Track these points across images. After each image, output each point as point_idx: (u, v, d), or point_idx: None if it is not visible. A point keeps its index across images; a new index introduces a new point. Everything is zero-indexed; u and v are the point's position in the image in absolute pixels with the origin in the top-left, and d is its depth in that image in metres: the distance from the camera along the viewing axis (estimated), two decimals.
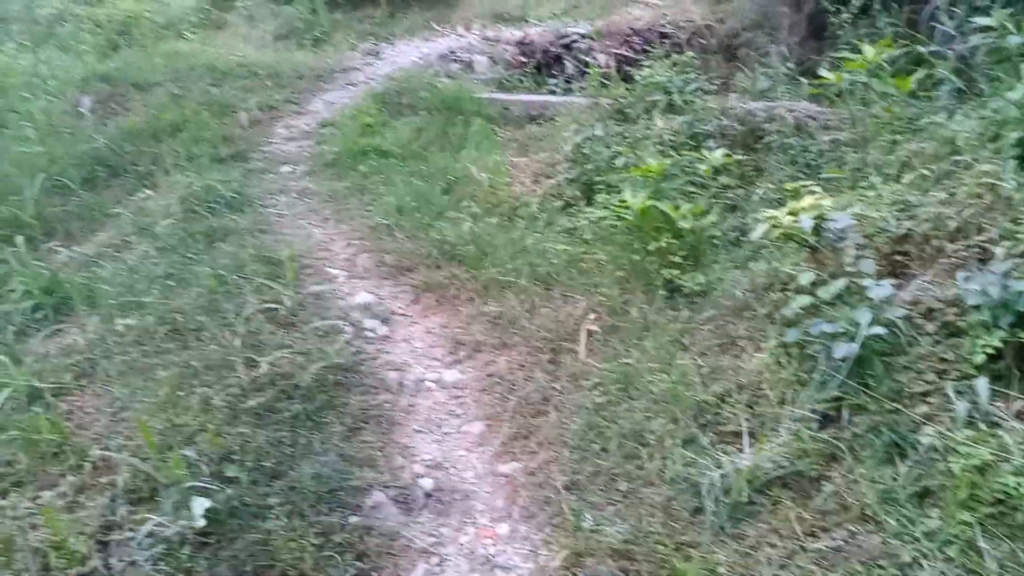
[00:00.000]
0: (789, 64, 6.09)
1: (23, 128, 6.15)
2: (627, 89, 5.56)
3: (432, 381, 3.29)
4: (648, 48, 8.77)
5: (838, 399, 2.55)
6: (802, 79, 5.57)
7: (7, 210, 4.59)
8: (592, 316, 3.48)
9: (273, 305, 3.38)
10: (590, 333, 3.36)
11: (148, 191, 4.88)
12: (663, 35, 9.07)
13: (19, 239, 4.01)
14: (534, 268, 3.86)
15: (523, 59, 8.12)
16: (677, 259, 3.64)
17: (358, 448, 2.76)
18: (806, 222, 2.91)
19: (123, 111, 6.15)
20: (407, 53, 8.36)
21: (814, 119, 4.84)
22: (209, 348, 3.10)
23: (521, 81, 7.60)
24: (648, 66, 5.54)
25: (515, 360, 3.28)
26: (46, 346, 3.40)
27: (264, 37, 12.66)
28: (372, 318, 3.64)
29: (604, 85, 5.78)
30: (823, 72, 4.38)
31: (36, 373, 3.12)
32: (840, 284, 2.77)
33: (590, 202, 4.61)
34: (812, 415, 2.56)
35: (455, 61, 7.86)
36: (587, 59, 8.20)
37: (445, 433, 2.99)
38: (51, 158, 5.27)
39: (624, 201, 3.83)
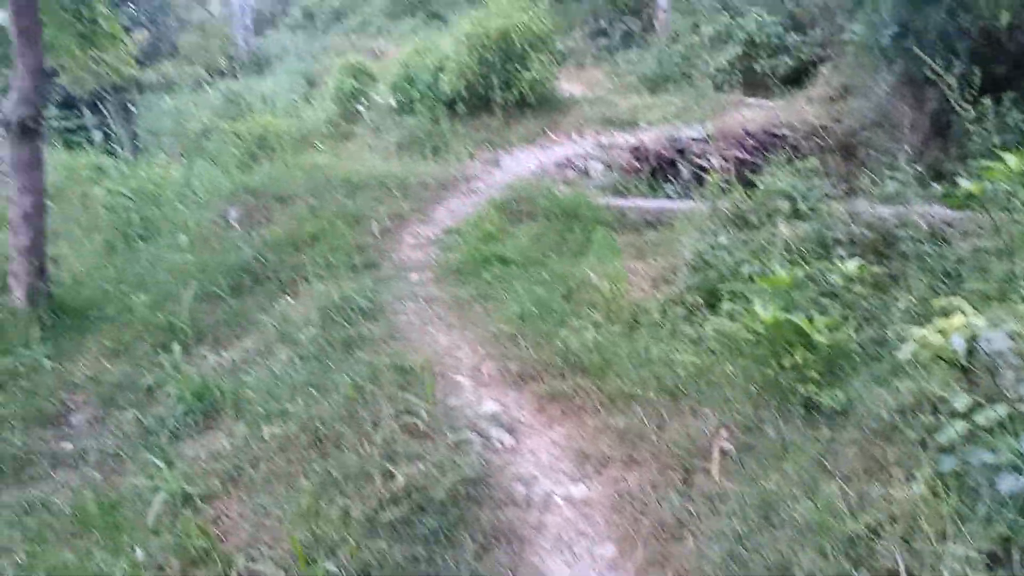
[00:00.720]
0: (915, 165, 5.94)
1: (177, 237, 6.78)
2: (747, 194, 5.56)
3: (560, 497, 3.26)
4: (763, 149, 8.79)
5: (1006, 538, 2.35)
6: (932, 183, 5.42)
7: (163, 317, 5.02)
8: (724, 433, 3.38)
9: (408, 415, 3.48)
10: (723, 451, 3.27)
11: (289, 298, 5.22)
12: (777, 136, 9.06)
13: (176, 347, 4.35)
14: (660, 379, 3.82)
15: (637, 164, 8.30)
16: (813, 374, 3.51)
17: (491, 568, 2.75)
18: (958, 342, 2.78)
19: (266, 222, 6.66)
20: (524, 161, 8.71)
21: (950, 225, 4.67)
22: (348, 457, 3.22)
23: (636, 186, 7.74)
24: (769, 172, 5.54)
25: (645, 478, 3.21)
26: (196, 450, 3.63)
27: (388, 146, 13.51)
28: (499, 428, 3.68)
29: (723, 190, 5.81)
30: (962, 182, 4.24)
31: (187, 477, 3.32)
32: (1001, 410, 2.60)
33: (714, 309, 4.56)
34: (977, 555, 2.36)
35: (571, 168, 8.12)
36: (701, 162, 8.28)
37: (576, 555, 2.94)
38: (202, 266, 5.75)
39: (753, 312, 3.78)
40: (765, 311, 3.74)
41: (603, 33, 16.73)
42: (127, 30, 10.93)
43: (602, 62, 16.23)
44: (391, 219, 6.73)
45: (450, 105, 13.45)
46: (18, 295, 5.21)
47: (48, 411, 4.32)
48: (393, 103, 14.99)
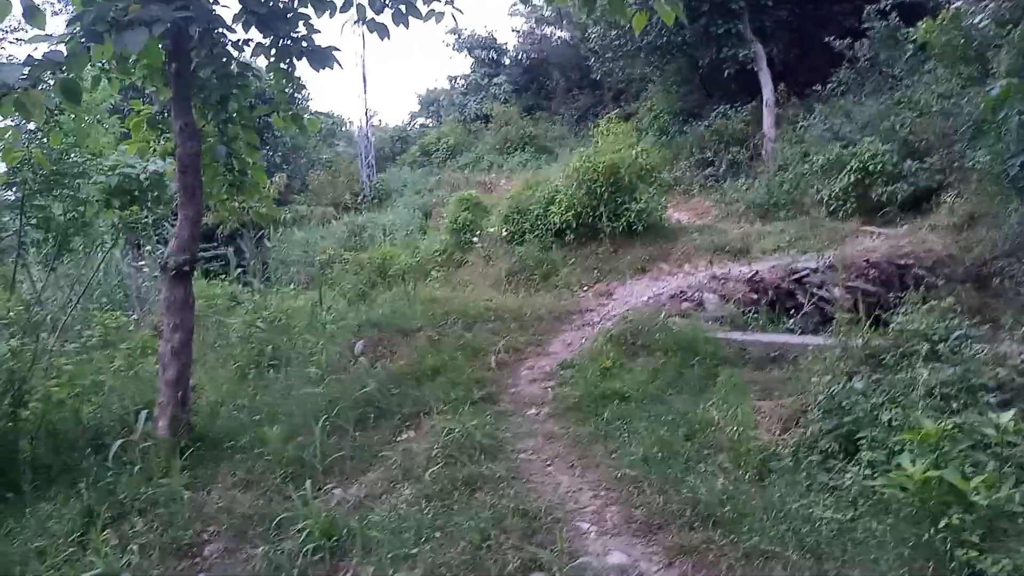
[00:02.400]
0: None
1: (306, 368, 7.10)
2: (879, 333, 5.34)
3: None
4: (888, 280, 8.49)
5: None
6: None
7: (293, 450, 5.19)
8: None
9: (535, 569, 3.39)
10: None
11: (412, 433, 5.32)
12: (903, 267, 8.75)
13: (307, 482, 4.46)
14: (800, 537, 3.59)
15: (754, 296, 8.18)
16: (973, 538, 3.22)
17: None
18: None
19: (390, 354, 6.91)
20: (637, 293, 8.77)
21: None
22: None
23: (755, 319, 7.59)
24: (902, 311, 5.32)
25: None
26: None
27: (499, 273, 13.91)
28: None
29: (852, 327, 5.60)
30: None
31: None
32: None
33: (852, 458, 4.31)
34: None
35: (685, 300, 8.09)
36: (822, 294, 8.06)
37: None
38: (330, 399, 5.97)
39: (899, 466, 3.55)
40: (913, 466, 3.51)
41: (709, 163, 17.01)
42: (269, 174, 12.03)
43: (709, 191, 16.43)
44: (508, 352, 6.84)
45: (559, 235, 13.84)
46: (162, 425, 5.54)
47: (183, 541, 4.46)
48: (504, 233, 15.55)
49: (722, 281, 8.61)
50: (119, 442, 5.27)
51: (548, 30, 31.82)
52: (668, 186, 15.48)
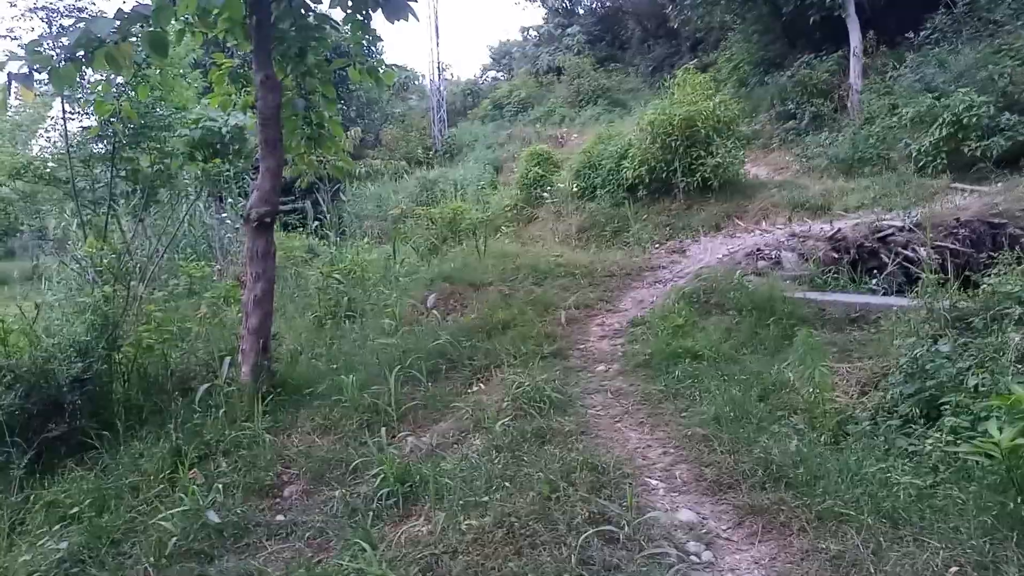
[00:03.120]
0: None
1: (380, 320, 7.26)
2: (968, 295, 5.09)
3: None
4: (979, 240, 8.06)
5: None
6: None
7: (369, 398, 5.35)
8: (954, 569, 3.02)
9: (603, 520, 3.42)
10: None
11: (482, 385, 5.40)
12: (996, 226, 8.29)
13: (382, 429, 4.60)
14: (876, 501, 3.51)
15: (835, 255, 7.89)
16: None
17: None
18: None
19: (461, 308, 6.99)
20: (712, 250, 8.58)
21: None
22: (543, 558, 3.20)
23: (836, 279, 7.34)
24: (995, 272, 5.05)
25: None
26: (397, 534, 3.77)
27: (569, 229, 13.86)
28: (695, 541, 3.52)
29: (940, 288, 5.35)
30: None
31: (389, 561, 3.45)
32: None
33: (934, 423, 4.16)
34: None
35: (762, 258, 7.87)
36: (908, 254, 7.72)
37: None
38: (404, 350, 6.10)
39: (986, 433, 3.40)
40: (1000, 433, 3.36)
41: (791, 116, 16.36)
42: (345, 128, 12.18)
43: (790, 145, 15.84)
44: (578, 308, 6.83)
45: (631, 190, 13.64)
46: (244, 371, 5.77)
47: (265, 482, 4.67)
48: (574, 189, 15.42)
49: (801, 239, 8.33)
50: (205, 386, 5.53)
51: None
52: (746, 140, 14.99)
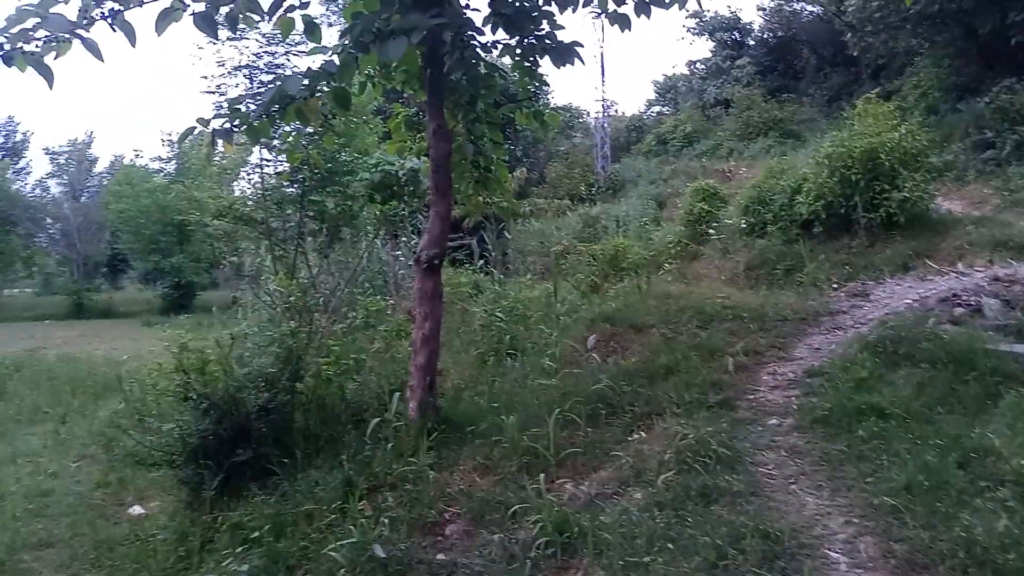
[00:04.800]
0: None
1: (541, 359, 7.28)
2: None
3: None
4: None
5: None
6: None
7: (528, 440, 5.34)
8: None
9: None
10: None
11: (643, 433, 5.23)
12: None
13: (540, 475, 4.56)
14: None
15: None
16: None
17: None
18: None
19: (621, 350, 6.86)
20: (899, 294, 7.88)
21: None
22: None
23: None
24: None
25: None
26: None
27: (736, 268, 13.31)
28: None
29: None
30: None
31: None
32: None
33: None
34: None
35: (960, 305, 7.10)
36: None
37: None
38: (563, 392, 6.06)
39: None
40: None
41: (989, 145, 14.88)
42: (511, 168, 12.54)
43: (988, 177, 14.38)
44: (747, 354, 6.48)
45: (806, 226, 12.89)
46: (412, 406, 5.97)
47: (428, 519, 4.76)
48: (743, 225, 14.84)
49: (1006, 284, 7.44)
50: (376, 420, 5.76)
51: (798, 5, 29.71)
52: (937, 172, 13.76)
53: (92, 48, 4.05)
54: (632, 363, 6.43)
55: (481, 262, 14.50)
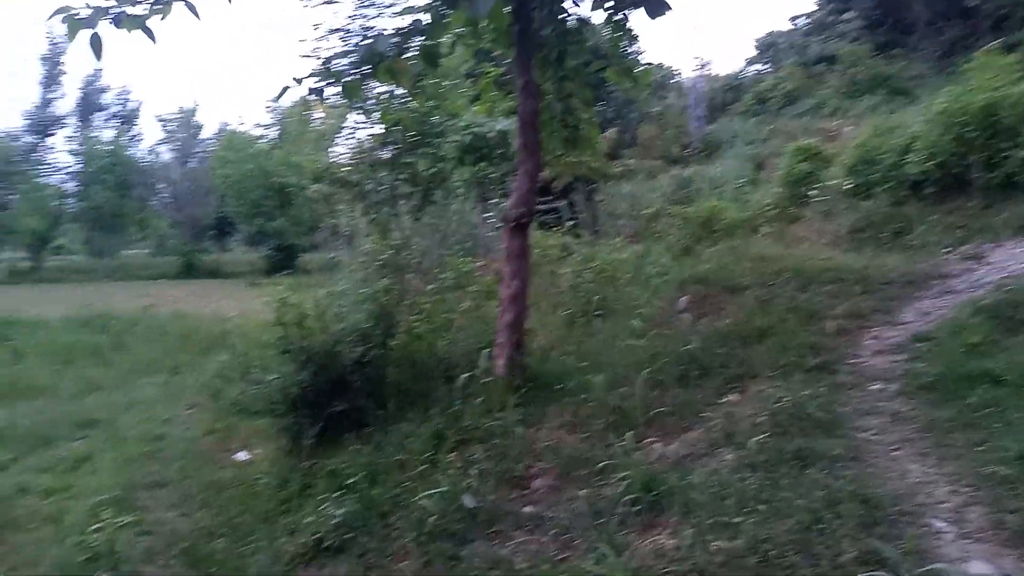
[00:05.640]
0: None
1: (630, 320, 7.20)
2: None
3: None
4: None
5: None
6: None
7: (616, 399, 5.30)
8: None
9: (873, 562, 3.03)
10: None
11: (735, 396, 5.10)
12: None
13: (629, 433, 4.53)
14: None
15: None
16: None
17: None
18: None
19: (714, 312, 6.68)
20: (1017, 257, 7.33)
21: None
22: None
23: None
24: None
25: None
26: (641, 543, 3.67)
27: (839, 231, 12.70)
28: None
29: None
30: None
31: (633, 571, 3.36)
32: None
33: None
34: None
35: None
36: None
37: None
38: (653, 353, 5.97)
39: None
40: None
41: None
42: (602, 129, 12.32)
43: None
44: (848, 318, 6.20)
45: (915, 187, 12.17)
46: (500, 364, 6.02)
47: (515, 473, 4.83)
48: (847, 186, 14.16)
49: None
50: (465, 376, 5.84)
51: None
52: None
53: (191, 7, 4.24)
54: (725, 325, 6.27)
55: (570, 224, 14.39)
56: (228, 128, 44.79)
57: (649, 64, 7.88)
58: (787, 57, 31.62)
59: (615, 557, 3.50)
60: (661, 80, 31.67)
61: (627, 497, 4.03)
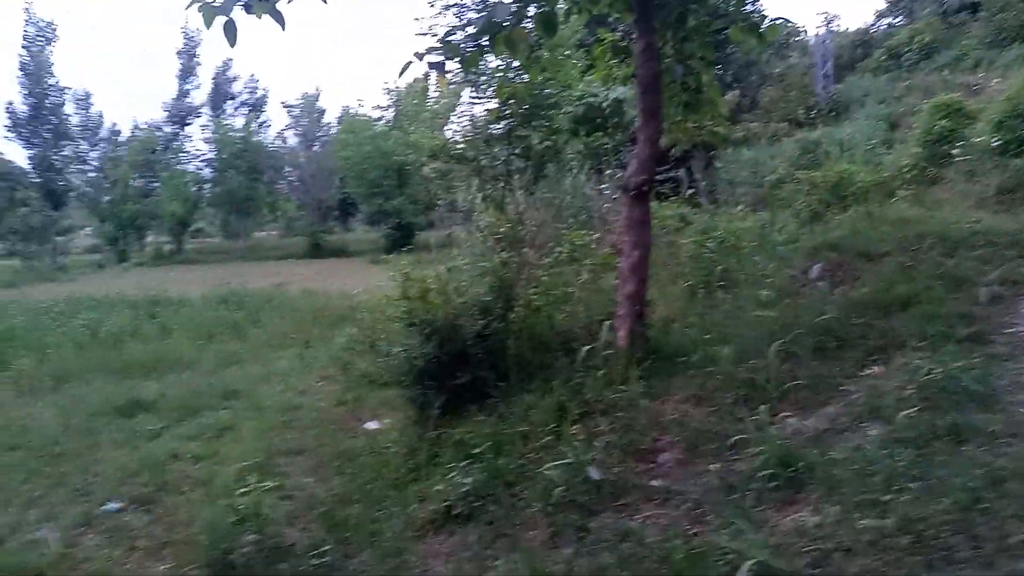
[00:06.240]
0: None
1: (756, 290, 6.90)
2: None
3: None
4: None
5: None
6: None
7: (745, 371, 5.10)
8: None
9: None
10: None
11: (878, 368, 4.79)
12: None
13: (761, 407, 4.34)
14: None
15: None
16: None
17: None
18: None
19: (850, 280, 6.30)
20: None
21: None
22: None
23: None
24: None
25: None
26: (780, 520, 3.52)
27: (985, 192, 11.72)
28: None
29: None
30: None
31: (773, 547, 3.23)
32: None
33: None
34: None
35: None
36: None
37: None
38: (783, 323, 5.70)
39: None
40: None
41: None
42: (721, 92, 11.83)
43: None
44: (1003, 284, 5.69)
45: None
46: (621, 335, 5.93)
47: (641, 446, 4.75)
48: (995, 143, 13.02)
49: None
50: (586, 348, 5.79)
51: None
52: None
53: None
54: (863, 294, 5.89)
55: (689, 193, 13.97)
56: (349, 111, 46.36)
57: (777, 19, 7.41)
58: (923, 7, 29.30)
59: (753, 533, 3.38)
60: (785, 39, 30.09)
61: (763, 473, 3.88)
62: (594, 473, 4.39)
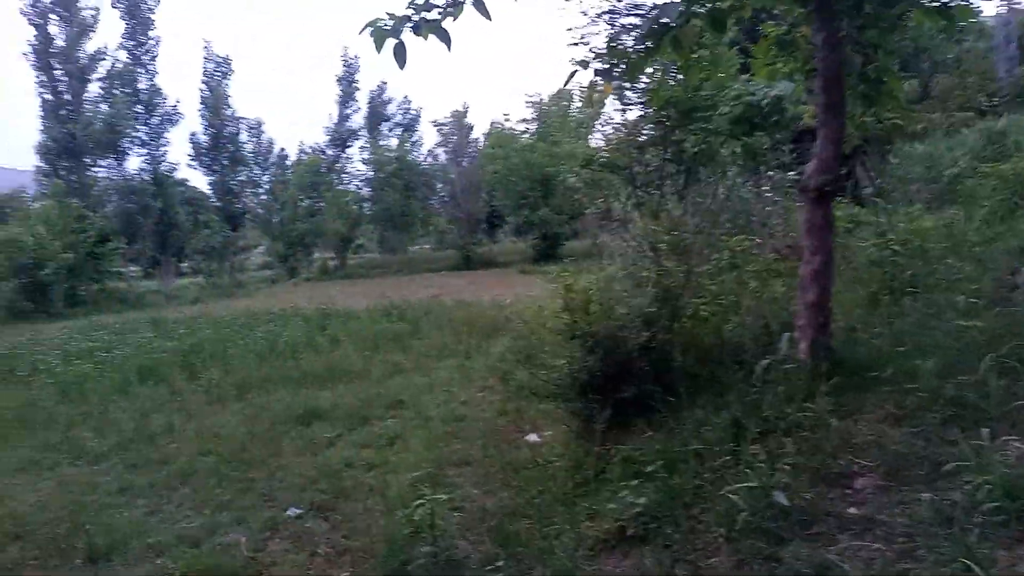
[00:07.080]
0: None
1: (952, 296, 6.25)
2: None
3: None
4: None
5: None
6: None
7: (952, 388, 4.58)
8: None
9: None
10: None
11: None
12: None
13: (983, 430, 3.86)
14: None
15: None
16: None
17: None
18: None
19: None
20: None
21: None
22: None
23: None
24: None
25: None
26: (1010, 557, 3.08)
27: None
28: None
29: None
30: None
31: None
32: None
33: None
34: None
35: None
36: None
37: None
38: (992, 335, 5.09)
39: None
40: None
41: None
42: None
43: None
44: None
45: None
46: (802, 347, 5.52)
47: (832, 470, 4.36)
48: None
49: None
50: (765, 362, 5.44)
51: None
52: None
53: (480, 7, 4.33)
54: None
55: (865, 191, 13.02)
56: (495, 125, 47.44)
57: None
58: None
59: (981, 572, 2.97)
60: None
61: (984, 505, 3.42)
62: (781, 498, 4.07)
